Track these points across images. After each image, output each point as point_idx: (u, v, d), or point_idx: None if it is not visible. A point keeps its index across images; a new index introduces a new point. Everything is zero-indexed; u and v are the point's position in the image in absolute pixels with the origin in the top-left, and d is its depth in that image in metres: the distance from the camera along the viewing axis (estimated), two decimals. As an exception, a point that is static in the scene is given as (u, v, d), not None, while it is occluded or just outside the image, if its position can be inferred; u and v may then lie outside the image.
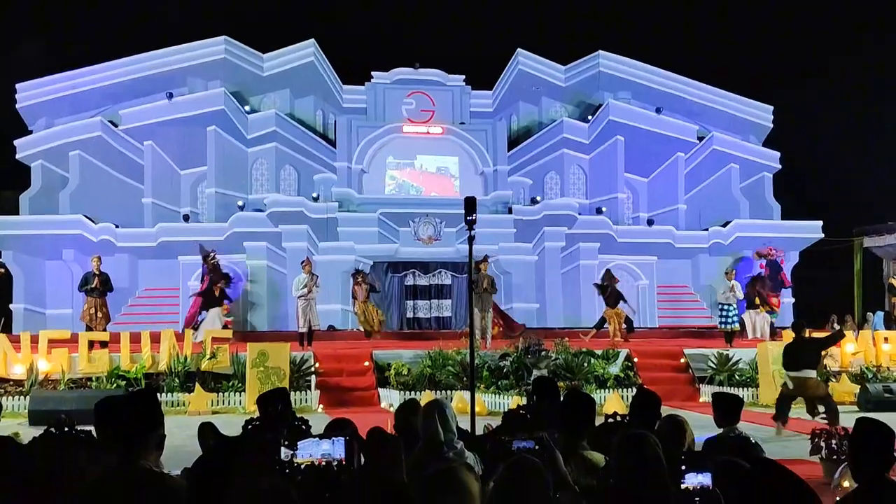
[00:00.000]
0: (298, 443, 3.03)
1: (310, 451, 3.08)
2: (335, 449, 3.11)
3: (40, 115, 26.28)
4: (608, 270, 22.74)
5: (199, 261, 22.76)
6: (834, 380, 17.17)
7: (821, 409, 12.92)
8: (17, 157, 25.36)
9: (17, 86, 26.20)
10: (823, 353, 15.03)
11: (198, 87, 26.21)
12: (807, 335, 14.12)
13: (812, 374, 13.09)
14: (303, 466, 3.10)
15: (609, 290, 21.11)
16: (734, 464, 3.18)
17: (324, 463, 3.08)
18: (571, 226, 25.58)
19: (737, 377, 17.26)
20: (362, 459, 3.30)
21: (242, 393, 15.60)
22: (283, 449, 3.09)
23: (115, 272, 23.20)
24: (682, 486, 3.19)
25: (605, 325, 20.64)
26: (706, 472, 3.20)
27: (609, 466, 3.34)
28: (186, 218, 25.44)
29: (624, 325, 20.57)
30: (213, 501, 2.93)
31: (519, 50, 27.85)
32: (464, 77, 27.76)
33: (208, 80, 26.22)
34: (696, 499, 3.16)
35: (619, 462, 3.28)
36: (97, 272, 20.05)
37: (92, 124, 25.01)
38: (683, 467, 3.26)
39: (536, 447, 3.66)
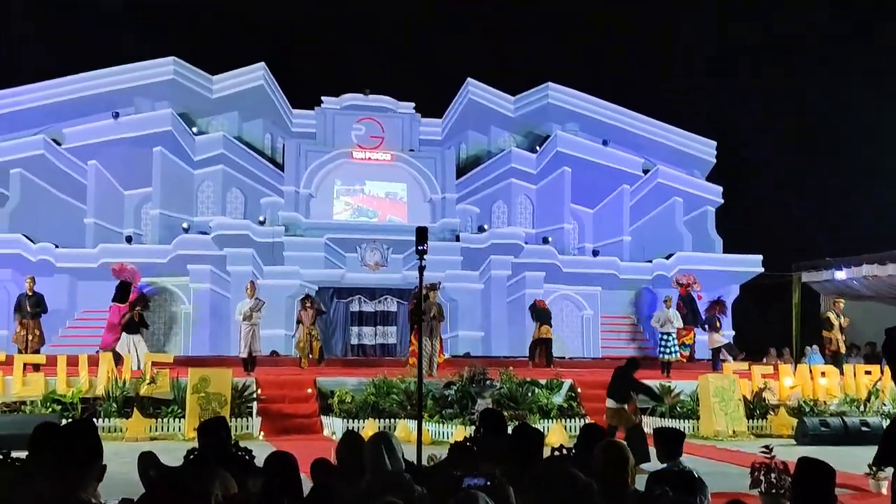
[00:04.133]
0: None
1: None
2: None
3: (-20, 133, 25.74)
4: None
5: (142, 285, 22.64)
6: (772, 413, 17.47)
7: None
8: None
9: (-43, 101, 25.62)
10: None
11: (145, 107, 25.89)
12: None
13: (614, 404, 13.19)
14: None
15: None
16: None
17: None
18: (518, 255, 25.73)
19: (678, 409, 17.39)
20: None
21: (182, 419, 15.24)
22: None
23: (54, 293, 22.68)
24: None
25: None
26: None
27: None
28: (129, 239, 24.99)
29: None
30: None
31: (469, 79, 28.03)
32: (414, 104, 27.85)
33: (155, 100, 25.89)
34: None
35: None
36: (30, 293, 19.68)
37: (35, 142, 24.57)
38: None
39: (488, 483, 3.63)
